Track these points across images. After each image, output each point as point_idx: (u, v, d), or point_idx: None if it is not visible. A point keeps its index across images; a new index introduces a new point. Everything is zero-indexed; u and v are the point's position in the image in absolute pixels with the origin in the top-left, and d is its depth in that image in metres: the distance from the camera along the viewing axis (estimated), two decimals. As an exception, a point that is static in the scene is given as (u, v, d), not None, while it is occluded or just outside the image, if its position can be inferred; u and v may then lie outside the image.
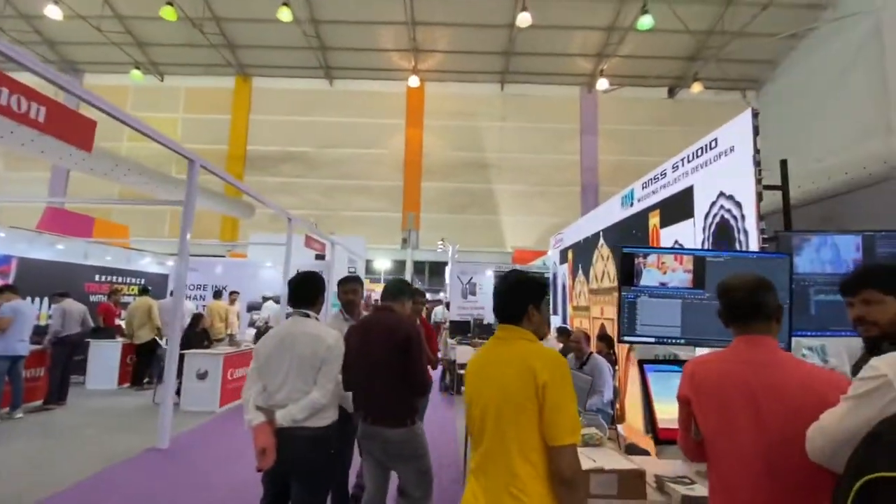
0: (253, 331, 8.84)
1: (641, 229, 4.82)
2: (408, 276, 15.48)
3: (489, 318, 9.46)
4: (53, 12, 12.83)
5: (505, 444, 1.37)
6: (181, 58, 16.14)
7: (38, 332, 6.22)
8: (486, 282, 9.87)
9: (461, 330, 8.88)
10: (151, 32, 15.00)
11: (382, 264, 16.90)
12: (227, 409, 6.09)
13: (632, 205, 5.15)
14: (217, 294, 9.55)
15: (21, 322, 5.41)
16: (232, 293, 9.21)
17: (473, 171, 16.68)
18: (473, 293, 9.85)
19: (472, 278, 9.91)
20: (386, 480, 2.51)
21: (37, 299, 7.05)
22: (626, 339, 2.54)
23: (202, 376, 5.94)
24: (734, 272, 1.50)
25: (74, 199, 15.18)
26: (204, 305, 9.09)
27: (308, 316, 2.33)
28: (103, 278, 8.76)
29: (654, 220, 4.59)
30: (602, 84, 14.79)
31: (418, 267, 16.64)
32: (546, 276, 8.14)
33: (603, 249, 5.63)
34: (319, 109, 16.93)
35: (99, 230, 9.93)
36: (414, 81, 16.08)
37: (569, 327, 6.03)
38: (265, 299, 10.27)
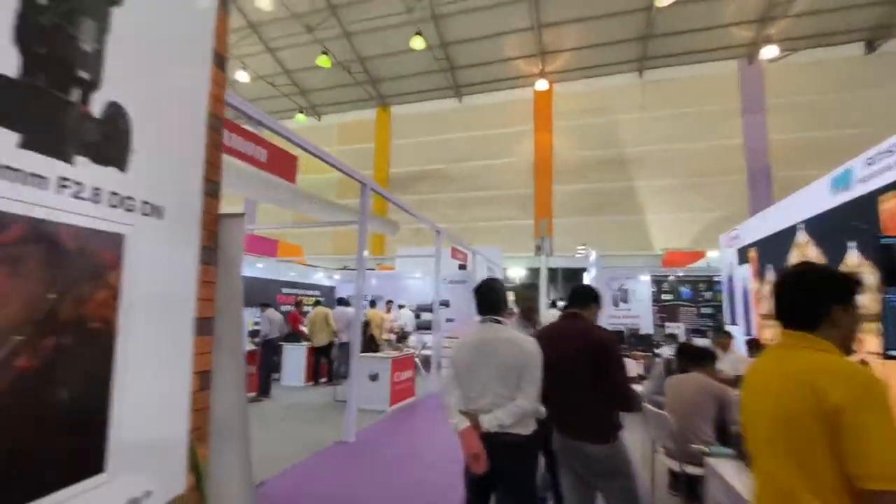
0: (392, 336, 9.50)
1: (866, 217, 3.87)
2: (542, 284, 15.14)
3: (646, 327, 8.63)
4: (242, 76, 15.95)
5: (786, 477, 1.12)
6: (333, 98, 18.55)
7: (249, 336, 7.60)
8: (641, 288, 9.03)
9: (613, 340, 8.22)
10: (311, 80, 17.53)
11: (516, 273, 16.82)
12: (396, 409, 6.61)
13: (847, 187, 4.19)
14: (371, 303, 10.54)
15: (240, 328, 6.66)
16: (388, 302, 10.06)
17: (610, 170, 15.64)
18: (625, 300, 9.10)
19: (623, 285, 9.18)
20: (590, 498, 2.37)
21: (246, 309, 8.66)
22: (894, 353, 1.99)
23: (374, 377, 6.55)
24: None
25: (273, 225, 18.22)
26: (364, 314, 10.10)
27: (499, 322, 2.35)
28: (289, 291, 10.40)
29: (889, 203, 3.64)
30: (769, 52, 12.59)
31: (552, 274, 16.14)
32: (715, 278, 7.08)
33: (808, 248, 4.66)
34: (451, 127, 17.74)
35: (281, 250, 11.83)
36: (542, 85, 15.84)
37: (759, 339, 5.14)
38: (400, 307, 11.01)
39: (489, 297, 2.38)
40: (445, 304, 9.50)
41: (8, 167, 1.20)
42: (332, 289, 12.01)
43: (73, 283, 1.36)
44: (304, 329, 8.98)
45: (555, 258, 15.80)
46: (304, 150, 4.14)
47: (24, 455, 1.24)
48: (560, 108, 16.42)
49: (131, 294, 1.56)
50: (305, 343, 8.60)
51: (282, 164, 3.88)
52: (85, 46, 1.41)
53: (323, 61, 14.89)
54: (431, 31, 14.26)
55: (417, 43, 13.69)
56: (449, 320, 9.77)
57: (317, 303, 9.33)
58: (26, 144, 1.25)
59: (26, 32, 1.25)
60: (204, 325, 1.91)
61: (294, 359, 8.40)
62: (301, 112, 18.83)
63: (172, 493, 1.73)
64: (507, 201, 16.78)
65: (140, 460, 1.59)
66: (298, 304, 9.48)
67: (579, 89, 16.19)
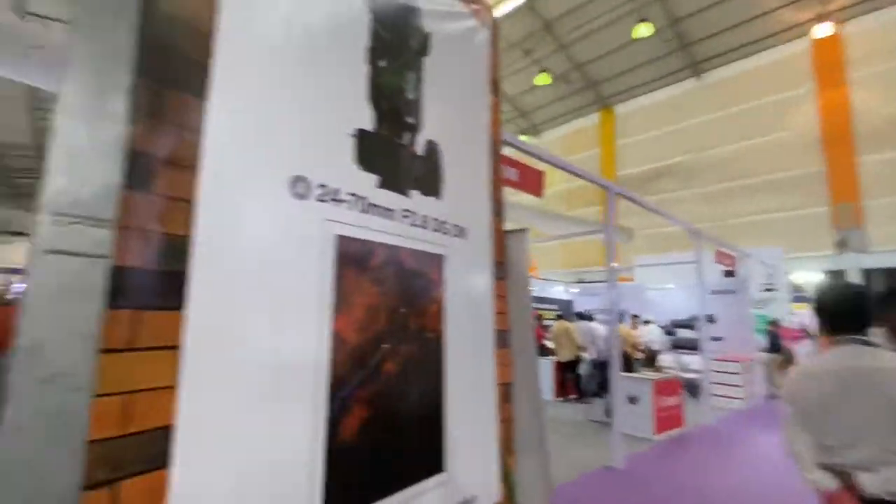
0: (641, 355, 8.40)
1: None
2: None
3: None
4: (472, 114, 17.85)
5: None
6: (552, 113, 18.73)
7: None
8: None
9: None
10: (529, 101, 18.19)
11: (806, 277, 12.93)
12: (664, 439, 5.81)
13: None
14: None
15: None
16: (634, 317, 9.17)
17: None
18: None
19: None
20: None
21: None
22: None
23: (632, 400, 5.95)
24: None
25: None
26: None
27: (870, 345, 1.67)
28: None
29: None
30: None
31: (866, 277, 11.70)
32: None
33: None
34: (689, 112, 15.40)
35: (518, 267, 12.38)
36: (822, 31, 12.12)
37: None
38: (645, 322, 9.69)
39: (852, 308, 1.73)
40: (710, 319, 8.00)
41: (374, 205, 1.47)
42: (569, 303, 11.80)
43: (415, 299, 1.57)
44: (548, 343, 9.01)
45: (871, 255, 11.50)
46: (550, 163, 4.14)
47: (396, 448, 1.46)
48: (856, 53, 12.14)
49: (450, 308, 1.72)
50: (551, 357, 8.60)
51: (531, 181, 3.96)
52: (410, 96, 1.66)
53: (541, 79, 15.26)
54: (657, 13, 12.82)
55: (642, 30, 12.54)
56: (715, 339, 8.17)
57: (558, 317, 9.26)
58: (382, 184, 1.51)
59: (375, 92, 1.53)
60: (502, 338, 1.98)
61: (542, 373, 8.49)
62: (523, 133, 19.71)
63: (491, 501, 1.80)
64: (783, 187, 13.26)
65: (467, 465, 1.71)
66: (539, 318, 9.63)
67: (887, 21, 11.64)
